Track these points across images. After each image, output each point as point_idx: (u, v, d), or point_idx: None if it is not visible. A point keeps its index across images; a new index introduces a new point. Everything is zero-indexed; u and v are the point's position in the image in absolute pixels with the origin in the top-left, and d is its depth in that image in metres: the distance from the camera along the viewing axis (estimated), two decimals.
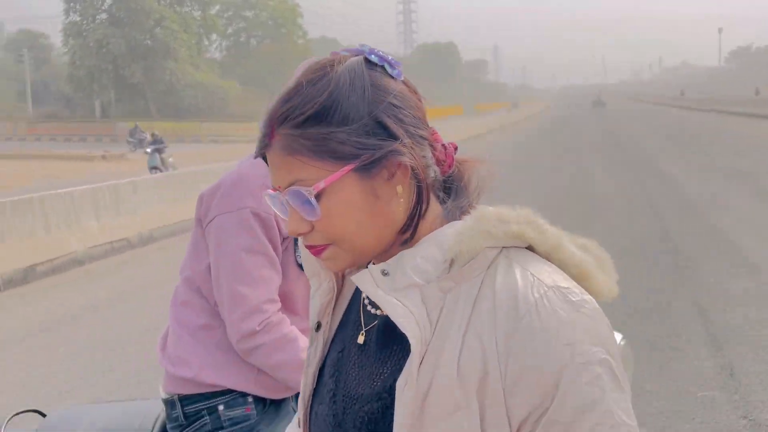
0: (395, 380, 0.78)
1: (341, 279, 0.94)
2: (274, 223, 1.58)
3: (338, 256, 0.82)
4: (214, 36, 50.52)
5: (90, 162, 24.56)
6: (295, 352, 1.52)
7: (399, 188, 0.79)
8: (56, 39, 53.35)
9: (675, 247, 7.20)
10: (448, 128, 28.70)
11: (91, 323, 5.75)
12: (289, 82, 0.81)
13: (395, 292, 0.78)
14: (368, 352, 0.86)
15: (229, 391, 1.59)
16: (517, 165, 15.56)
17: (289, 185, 0.78)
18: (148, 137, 27.99)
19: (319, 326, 0.92)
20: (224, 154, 26.08)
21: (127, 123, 39.61)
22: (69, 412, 2.01)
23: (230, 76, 47.03)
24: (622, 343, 1.71)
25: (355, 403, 0.84)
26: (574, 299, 0.74)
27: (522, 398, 0.71)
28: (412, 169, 0.79)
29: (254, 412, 1.59)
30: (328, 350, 0.92)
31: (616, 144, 22.98)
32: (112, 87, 41.91)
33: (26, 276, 7.25)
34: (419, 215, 0.82)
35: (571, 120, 42.31)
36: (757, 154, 16.84)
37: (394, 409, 0.77)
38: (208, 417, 1.58)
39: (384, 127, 0.78)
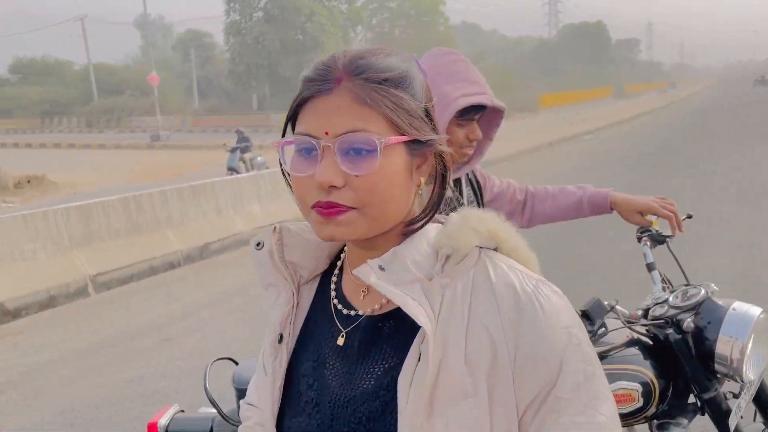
0: (393, 376, 0.81)
1: (298, 290, 0.94)
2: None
3: (355, 223, 0.80)
4: (359, 28, 52.02)
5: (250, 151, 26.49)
6: None
7: (422, 179, 0.84)
8: (219, 38, 57.83)
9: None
10: (588, 112, 27.21)
11: (260, 295, 6.36)
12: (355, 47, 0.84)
13: (401, 286, 0.81)
14: (350, 354, 0.87)
15: None
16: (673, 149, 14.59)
17: (348, 132, 0.77)
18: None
19: (281, 338, 0.92)
20: None
21: (279, 115, 42.16)
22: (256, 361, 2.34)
23: None
24: (762, 315, 1.76)
25: (346, 407, 0.84)
26: (555, 289, 0.82)
27: (530, 379, 0.77)
28: (441, 164, 0.86)
29: None
30: (294, 362, 0.92)
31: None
32: (267, 81, 44.71)
33: (202, 253, 8.12)
34: (436, 210, 0.87)
35: (728, 101, 38.62)
36: None
37: (395, 405, 0.79)
38: None
39: (431, 120, 0.84)
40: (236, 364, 2.16)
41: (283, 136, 0.84)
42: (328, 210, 0.78)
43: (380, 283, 0.81)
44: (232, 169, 15.39)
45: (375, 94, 0.78)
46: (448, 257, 0.82)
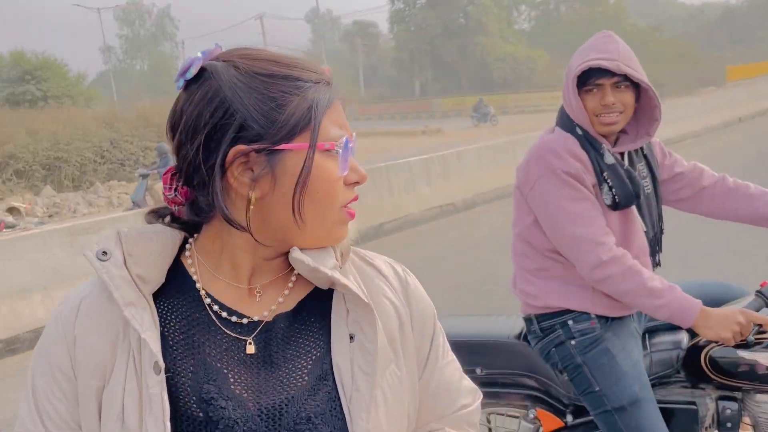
0: (324, 365, 0.83)
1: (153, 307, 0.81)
2: (582, 177, 1.84)
3: None
4: (522, 7, 50.80)
5: (413, 137, 27.16)
6: (641, 281, 1.77)
7: None
8: (383, 27, 59.53)
9: None
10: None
11: (435, 271, 6.69)
12: None
13: (332, 271, 0.85)
14: (265, 359, 0.82)
15: (575, 311, 1.92)
16: None
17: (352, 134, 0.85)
18: (492, 111, 29.49)
19: (159, 368, 0.77)
20: (529, 123, 26.42)
21: (441, 99, 42.73)
22: (443, 320, 2.56)
23: (538, 45, 46.92)
24: None
25: (282, 413, 0.80)
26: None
27: (423, 334, 0.94)
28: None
29: (598, 325, 1.90)
30: (177, 393, 0.79)
31: None
32: (430, 67, 45.34)
33: (377, 232, 8.64)
34: None
35: None
36: None
37: (336, 392, 0.82)
38: (560, 329, 1.93)
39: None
40: None
41: (313, 138, 0.80)
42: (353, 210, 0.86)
43: (335, 272, 0.83)
44: (136, 204, 11.73)
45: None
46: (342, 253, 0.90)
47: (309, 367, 0.83)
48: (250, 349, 0.82)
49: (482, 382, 1.96)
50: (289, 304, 0.87)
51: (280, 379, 0.82)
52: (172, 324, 0.82)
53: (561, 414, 2.08)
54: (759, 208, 1.97)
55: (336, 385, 0.83)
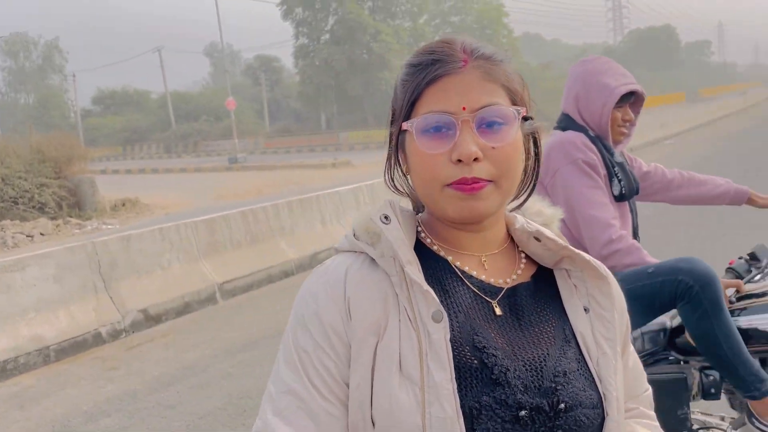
0: (565, 331, 0.89)
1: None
2: (598, 168, 2.18)
3: (491, 196, 0.85)
4: (423, 44, 52.60)
5: (324, 169, 27.20)
6: (640, 256, 2.09)
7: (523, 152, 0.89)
8: (286, 62, 59.70)
9: None
10: (665, 118, 26.45)
11: None
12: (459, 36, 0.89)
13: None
14: (512, 320, 0.88)
15: None
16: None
17: (485, 106, 0.83)
18: None
19: (441, 315, 0.83)
20: None
21: (348, 133, 43.18)
22: None
23: None
24: None
25: (543, 366, 0.84)
26: None
27: (623, 313, 0.98)
28: (533, 143, 0.92)
29: None
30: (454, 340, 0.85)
31: None
32: (335, 101, 45.81)
33: (312, 262, 8.53)
34: (534, 186, 0.95)
35: None
36: None
37: (582, 354, 0.88)
38: None
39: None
40: None
41: (406, 119, 0.87)
42: (471, 185, 0.82)
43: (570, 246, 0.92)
44: None
45: (499, 71, 0.86)
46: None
47: (553, 331, 0.89)
48: (498, 311, 0.88)
49: None
50: (525, 277, 0.94)
51: (531, 338, 0.87)
52: (431, 284, 0.86)
53: None
54: (710, 191, 2.51)
55: (581, 349, 0.89)
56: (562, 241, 0.92)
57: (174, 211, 16.58)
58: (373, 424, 0.81)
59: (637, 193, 2.30)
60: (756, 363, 2.05)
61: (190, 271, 7.14)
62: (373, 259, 0.89)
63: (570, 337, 0.89)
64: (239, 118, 43.69)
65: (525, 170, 0.92)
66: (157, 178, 29.76)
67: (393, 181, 0.96)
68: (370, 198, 10.05)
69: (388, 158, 0.94)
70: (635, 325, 2.16)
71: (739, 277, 2.27)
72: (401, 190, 0.97)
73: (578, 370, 0.86)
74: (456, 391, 0.80)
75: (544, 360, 0.85)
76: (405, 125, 0.87)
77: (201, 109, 53.69)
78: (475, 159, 0.82)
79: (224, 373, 4.89)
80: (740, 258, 2.35)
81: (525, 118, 0.88)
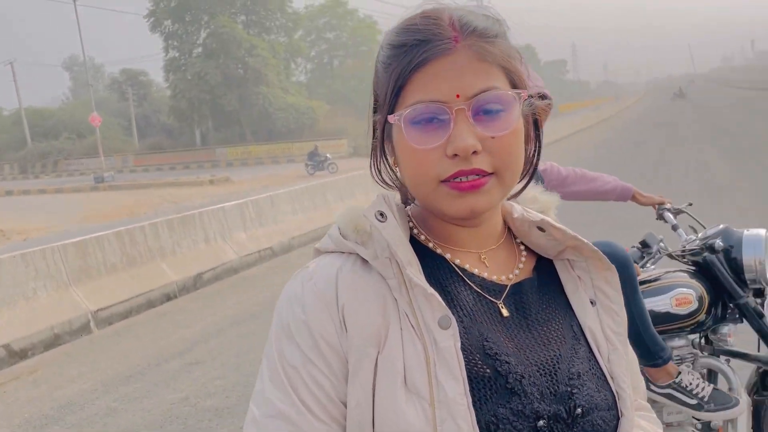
0: (573, 328, 0.82)
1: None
2: None
3: (492, 190, 0.75)
4: (299, 59, 52.43)
5: (201, 186, 26.18)
6: None
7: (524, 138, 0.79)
8: (155, 75, 57.15)
9: None
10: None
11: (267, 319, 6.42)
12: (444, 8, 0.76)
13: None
14: (519, 321, 0.80)
15: None
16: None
17: (481, 92, 0.72)
18: (329, 157, 28.07)
19: (449, 321, 0.74)
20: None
21: (226, 149, 41.98)
22: None
23: (316, 96, 48.69)
24: (766, 234, 2.30)
25: (556, 368, 0.77)
26: None
27: (621, 303, 0.90)
28: (534, 125, 0.82)
29: None
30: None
31: (720, 133, 22.14)
32: (211, 116, 44.36)
33: (196, 283, 8.09)
34: (535, 167, 0.85)
35: (658, 114, 40.87)
36: None
37: (592, 351, 0.81)
38: None
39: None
40: None
41: (391, 110, 0.76)
42: (470, 182, 0.73)
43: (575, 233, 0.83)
44: None
45: (494, 49, 0.74)
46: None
47: (561, 329, 0.81)
48: (504, 311, 0.80)
49: None
50: (527, 271, 0.85)
51: (540, 339, 0.79)
52: (431, 286, 0.75)
53: None
54: (600, 187, 2.67)
55: (590, 346, 0.82)
56: (570, 230, 0.84)
57: (34, 236, 15.19)
58: None
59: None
60: (658, 335, 2.26)
61: (59, 299, 6.49)
62: (364, 261, 0.78)
63: (579, 334, 0.82)
64: (105, 135, 41.16)
65: (525, 156, 0.81)
66: (11, 201, 27.22)
67: (380, 173, 0.85)
68: (257, 214, 9.74)
69: (373, 149, 0.84)
70: None
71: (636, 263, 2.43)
72: (390, 183, 0.86)
73: (590, 369, 0.80)
74: (471, 405, 0.71)
75: (557, 362, 0.77)
76: (391, 119, 0.76)
77: (61, 126, 49.97)
78: (474, 152, 0.72)
79: (107, 409, 4.44)
80: (633, 247, 2.56)
81: (529, 99, 0.78)
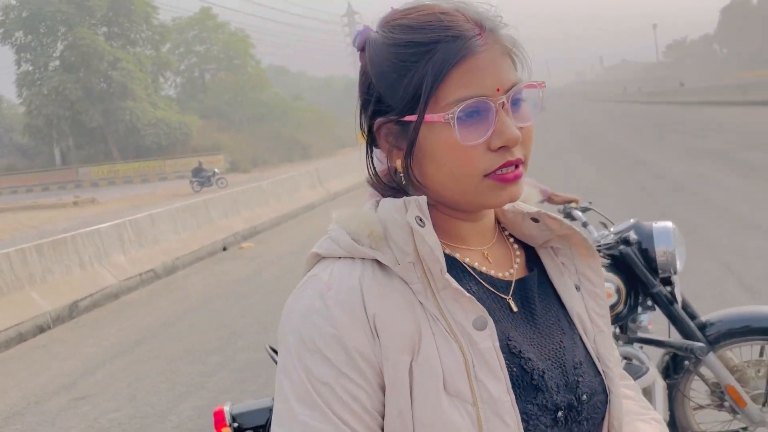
0: (566, 315, 0.86)
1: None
2: None
3: (524, 178, 0.79)
4: (168, 73, 50.34)
5: (64, 209, 24.33)
6: None
7: None
8: (4, 91, 52.44)
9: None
10: None
11: (160, 345, 6.04)
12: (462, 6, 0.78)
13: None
14: (526, 315, 0.82)
15: None
16: None
17: (515, 85, 0.76)
18: (217, 172, 26.95)
19: (485, 321, 0.76)
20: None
21: (89, 168, 39.31)
22: None
23: (188, 111, 46.95)
24: (673, 226, 2.47)
25: (564, 360, 0.81)
26: None
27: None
28: None
29: None
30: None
31: (586, 141, 23.93)
32: (71, 133, 41.39)
33: (71, 311, 7.45)
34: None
35: None
36: (718, 135, 17.93)
37: (581, 338, 0.85)
38: None
39: None
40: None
41: (425, 109, 0.75)
42: (516, 171, 0.76)
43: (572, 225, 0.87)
44: None
45: (507, 42, 0.78)
46: None
47: (559, 320, 0.85)
48: (514, 307, 0.82)
49: None
50: (522, 266, 0.88)
51: (544, 331, 0.82)
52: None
53: None
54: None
55: (577, 330, 0.86)
56: (564, 220, 0.87)
57: None
58: None
59: None
60: None
61: None
62: (380, 266, 0.77)
63: (570, 323, 0.86)
64: None
65: None
66: None
67: (377, 176, 0.84)
68: (136, 235, 9.17)
69: (368, 151, 0.84)
70: None
71: None
72: (387, 183, 0.84)
73: (585, 355, 0.84)
74: (515, 402, 0.74)
75: (563, 353, 0.81)
76: (436, 117, 0.74)
77: None
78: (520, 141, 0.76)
79: None
80: None
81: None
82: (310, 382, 0.72)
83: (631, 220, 2.56)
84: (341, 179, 17.72)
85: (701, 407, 2.63)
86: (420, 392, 0.71)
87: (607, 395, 0.84)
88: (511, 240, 0.90)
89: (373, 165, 0.84)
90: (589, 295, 0.88)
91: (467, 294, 0.75)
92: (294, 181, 15.04)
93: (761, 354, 2.55)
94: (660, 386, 2.38)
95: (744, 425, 2.54)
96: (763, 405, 2.48)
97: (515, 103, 0.76)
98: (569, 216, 2.77)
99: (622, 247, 2.43)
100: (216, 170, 27.33)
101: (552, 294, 0.87)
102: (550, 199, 2.82)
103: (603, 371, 0.85)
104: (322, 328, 0.73)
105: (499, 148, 0.75)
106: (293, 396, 0.73)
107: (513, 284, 0.84)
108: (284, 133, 46.56)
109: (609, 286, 2.39)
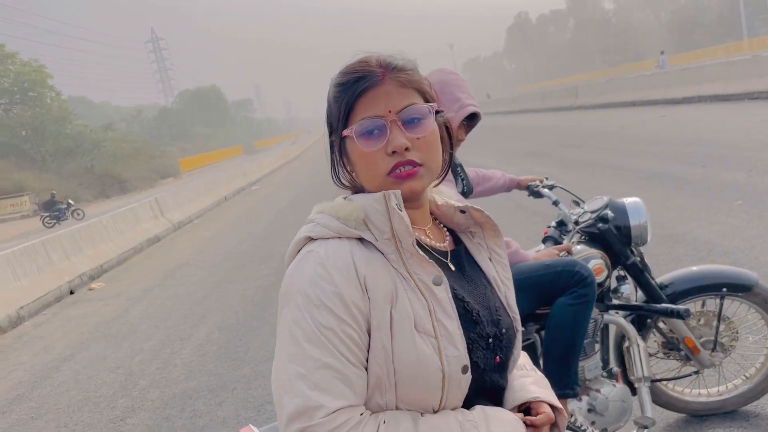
0: (488, 273, 1.21)
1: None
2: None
3: (423, 177, 1.08)
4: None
5: None
6: (524, 255, 2.49)
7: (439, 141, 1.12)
8: None
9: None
10: (240, 169, 28.20)
11: (30, 408, 5.34)
12: (373, 55, 1.11)
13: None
14: (463, 275, 1.16)
15: None
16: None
17: (405, 107, 1.06)
18: (72, 204, 24.70)
19: (441, 279, 1.09)
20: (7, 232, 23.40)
21: None
22: None
23: None
24: (641, 201, 2.67)
25: (491, 308, 1.16)
26: None
27: None
28: (447, 133, 1.16)
29: None
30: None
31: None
32: None
33: None
34: (451, 162, 1.21)
35: None
36: (536, 137, 19.77)
37: (497, 295, 1.20)
38: None
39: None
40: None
41: (344, 128, 1.08)
42: (410, 170, 1.06)
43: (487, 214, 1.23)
44: None
45: (411, 78, 1.08)
46: None
47: (481, 279, 1.18)
48: (452, 267, 1.15)
49: None
50: (451, 242, 1.21)
51: (474, 285, 1.15)
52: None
53: None
54: (496, 183, 2.91)
55: (494, 288, 1.19)
56: (485, 211, 1.20)
57: None
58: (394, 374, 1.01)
59: (471, 191, 2.49)
60: (578, 371, 2.38)
61: None
62: (361, 242, 1.07)
63: (488, 280, 1.19)
64: None
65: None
66: None
67: (340, 179, 1.16)
68: (31, 265, 7.98)
69: (332, 162, 1.15)
70: (531, 308, 2.36)
71: (559, 242, 2.66)
72: (347, 184, 1.17)
73: (500, 304, 1.18)
74: (463, 333, 1.06)
75: (488, 300, 1.15)
76: (345, 132, 1.08)
77: None
78: (406, 149, 1.04)
79: None
80: (549, 226, 2.76)
81: (437, 112, 1.11)
82: (317, 328, 1.00)
83: (605, 198, 2.70)
84: (182, 208, 16.84)
85: (654, 356, 2.89)
86: (398, 331, 1.02)
87: (515, 332, 1.18)
88: (441, 225, 1.23)
89: (338, 173, 1.15)
90: (499, 264, 1.22)
91: (428, 259, 1.06)
92: (135, 213, 14.01)
93: (703, 306, 2.80)
94: (642, 347, 2.61)
95: (696, 369, 2.82)
96: (712, 351, 2.76)
97: (411, 121, 1.06)
98: (537, 195, 2.91)
99: (600, 224, 2.57)
100: (70, 201, 25.37)
101: (473, 263, 1.20)
102: (518, 185, 2.96)
103: (513, 316, 1.19)
104: (326, 288, 1.01)
105: (393, 152, 1.05)
106: (304, 339, 1.00)
107: (449, 253, 1.17)
108: (98, 167, 43.14)
109: (600, 261, 2.52)
